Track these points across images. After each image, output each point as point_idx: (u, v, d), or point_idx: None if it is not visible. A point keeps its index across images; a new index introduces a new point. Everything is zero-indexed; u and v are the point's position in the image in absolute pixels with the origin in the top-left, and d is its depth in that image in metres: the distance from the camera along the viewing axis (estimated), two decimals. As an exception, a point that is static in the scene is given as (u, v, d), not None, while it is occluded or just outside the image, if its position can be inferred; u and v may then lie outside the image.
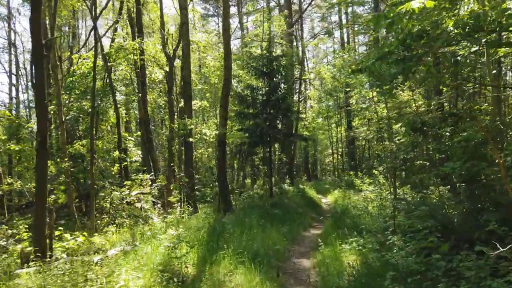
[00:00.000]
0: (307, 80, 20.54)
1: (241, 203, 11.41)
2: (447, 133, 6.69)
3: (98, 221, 8.84)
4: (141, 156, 14.81)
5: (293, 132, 15.96)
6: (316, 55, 33.60)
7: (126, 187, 9.69)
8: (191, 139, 9.48)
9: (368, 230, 6.74)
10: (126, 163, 14.17)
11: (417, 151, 9.16)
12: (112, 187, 9.75)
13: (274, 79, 12.85)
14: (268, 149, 13.22)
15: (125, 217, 8.29)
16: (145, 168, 13.69)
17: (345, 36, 29.80)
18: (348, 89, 27.68)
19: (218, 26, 31.53)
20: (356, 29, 27.69)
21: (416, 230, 5.78)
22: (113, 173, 14.04)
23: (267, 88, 13.18)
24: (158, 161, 12.91)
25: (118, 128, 13.63)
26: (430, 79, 7.41)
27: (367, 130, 14.34)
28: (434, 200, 9.87)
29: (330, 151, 33.42)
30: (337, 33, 33.76)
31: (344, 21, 29.57)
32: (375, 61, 6.06)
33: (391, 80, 5.94)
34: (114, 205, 8.55)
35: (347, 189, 16.68)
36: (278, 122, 13.37)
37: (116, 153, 13.34)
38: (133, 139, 15.42)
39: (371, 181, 14.12)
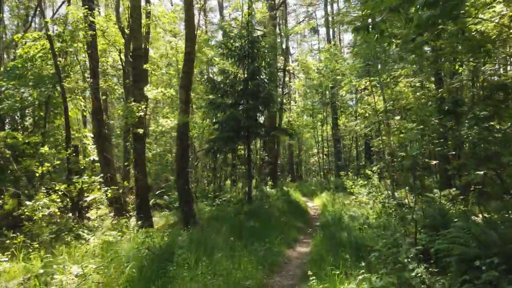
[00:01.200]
0: (292, 71, 18.58)
1: (211, 212, 9.22)
2: (484, 114, 4.79)
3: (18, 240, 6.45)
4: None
5: (276, 126, 13.89)
6: (301, 52, 31.75)
7: (60, 192, 7.34)
8: (140, 131, 7.23)
9: (377, 255, 4.69)
10: (83, 162, 11.77)
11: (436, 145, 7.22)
12: (33, 193, 7.39)
13: (255, 63, 10.76)
14: (246, 146, 11.10)
15: (46, 235, 5.96)
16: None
17: (330, 32, 28.10)
18: (333, 86, 26.05)
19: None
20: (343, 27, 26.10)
21: (461, 260, 3.78)
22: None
23: (246, 74, 11.07)
24: (112, 160, 10.54)
25: (66, 121, 11.18)
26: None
27: (362, 123, 12.40)
28: (448, 207, 8.01)
29: (316, 150, 31.61)
30: (322, 30, 32.09)
31: (330, 19, 27.91)
32: (388, 12, 4.06)
33: (421, 32, 3.92)
34: (33, 217, 6.20)
35: (336, 191, 14.73)
36: (258, 114, 11.27)
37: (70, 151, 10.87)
38: (91, 134, 12.98)
39: (365, 182, 12.18)
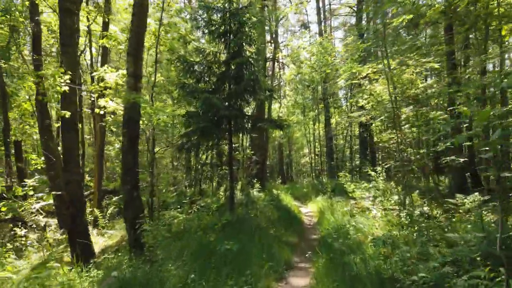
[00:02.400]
0: (282, 61, 16.57)
1: (178, 225, 7.09)
2: None
3: None
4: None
5: (265, 118, 11.81)
6: (291, 40, 29.83)
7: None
8: (65, 114, 5.00)
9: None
10: (36, 160, 9.53)
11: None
12: None
13: (238, 39, 8.68)
14: (228, 141, 9.00)
15: None
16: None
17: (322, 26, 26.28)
18: (325, 81, 24.19)
19: None
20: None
21: None
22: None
23: (227, 54, 8.99)
24: (59, 156, 8.30)
25: (3, 108, 9.01)
26: None
27: (369, 113, 10.43)
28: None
29: (307, 150, 29.73)
30: (313, 26, 30.24)
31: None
32: None
33: None
34: None
35: (333, 195, 12.76)
36: (242, 103, 9.19)
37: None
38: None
39: (369, 185, 10.24)
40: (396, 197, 9.19)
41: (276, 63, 14.62)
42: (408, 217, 6.54)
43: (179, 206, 10.20)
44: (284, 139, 28.84)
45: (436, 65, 8.59)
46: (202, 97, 7.74)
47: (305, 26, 34.51)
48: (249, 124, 9.09)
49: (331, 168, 25.17)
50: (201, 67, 8.98)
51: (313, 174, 26.04)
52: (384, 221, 7.65)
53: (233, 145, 10.18)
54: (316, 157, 30.16)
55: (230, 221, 7.84)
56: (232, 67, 8.72)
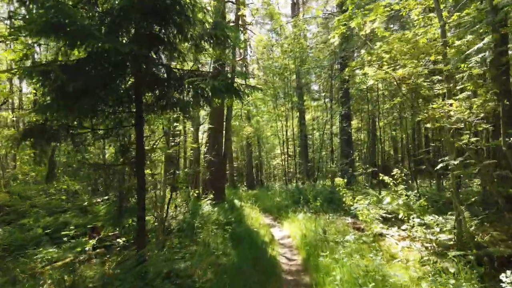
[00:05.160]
0: (249, 24, 12.36)
1: None
2: None
3: None
4: None
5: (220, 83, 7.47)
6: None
7: None
8: None
9: None
10: None
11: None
12: None
13: None
14: (135, 118, 4.62)
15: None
16: None
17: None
18: (299, 71, 20.39)
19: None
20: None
21: None
22: None
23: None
24: None
25: None
26: None
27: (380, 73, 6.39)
28: None
29: (279, 151, 25.75)
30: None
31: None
32: None
33: None
34: None
35: (321, 209, 8.70)
36: (164, 50, 4.82)
37: None
38: None
39: (395, 200, 6.24)
40: (435, 220, 5.22)
41: (240, 28, 10.47)
42: None
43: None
44: (253, 137, 24.67)
45: None
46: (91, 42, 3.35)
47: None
48: (184, 87, 4.73)
49: (307, 171, 21.34)
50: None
51: (286, 177, 22.04)
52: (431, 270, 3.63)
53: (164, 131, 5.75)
54: (289, 158, 26.32)
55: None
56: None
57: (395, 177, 6.30)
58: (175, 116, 5.68)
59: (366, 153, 25.18)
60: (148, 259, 4.50)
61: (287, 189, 14.62)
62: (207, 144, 10.90)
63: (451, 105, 4.24)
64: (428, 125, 4.64)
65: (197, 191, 9.94)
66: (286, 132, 22.81)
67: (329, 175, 21.43)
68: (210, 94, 4.37)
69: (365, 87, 17.59)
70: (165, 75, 4.62)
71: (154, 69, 4.56)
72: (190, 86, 4.38)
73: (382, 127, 24.31)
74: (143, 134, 4.50)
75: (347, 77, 14.41)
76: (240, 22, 11.14)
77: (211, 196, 9.07)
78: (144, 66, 4.38)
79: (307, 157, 21.99)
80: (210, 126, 10.40)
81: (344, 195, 7.45)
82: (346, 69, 9.41)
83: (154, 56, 4.70)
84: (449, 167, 4.37)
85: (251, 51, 14.82)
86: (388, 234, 6.12)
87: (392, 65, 5.27)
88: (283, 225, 8.88)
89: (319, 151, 20.81)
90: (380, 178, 6.36)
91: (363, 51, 7.48)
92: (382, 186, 10.16)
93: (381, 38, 6.98)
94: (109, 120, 4.64)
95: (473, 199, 5.73)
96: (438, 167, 4.50)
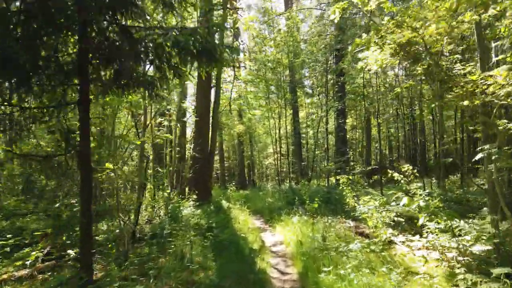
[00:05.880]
0: (237, 7, 11.24)
1: None
2: None
3: None
4: None
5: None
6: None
7: None
8: None
9: None
10: None
11: None
12: None
13: None
14: (80, 102, 3.52)
15: None
16: None
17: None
18: (291, 66, 19.40)
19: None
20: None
21: None
22: None
23: None
24: None
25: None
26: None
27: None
28: None
29: (271, 150, 24.68)
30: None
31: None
32: None
33: None
34: None
35: (320, 211, 7.66)
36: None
37: None
38: None
39: (415, 200, 5.16)
40: (461, 226, 4.22)
41: (228, 11, 9.36)
42: None
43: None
44: (244, 135, 23.57)
45: None
46: None
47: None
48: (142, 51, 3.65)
49: (301, 170, 20.34)
50: None
51: (279, 177, 20.99)
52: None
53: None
54: (282, 157, 25.29)
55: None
56: None
57: (406, 173, 5.28)
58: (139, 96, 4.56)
59: (362, 152, 24.32)
60: (98, 280, 3.38)
61: (280, 189, 13.53)
62: (194, 139, 9.79)
63: (491, 77, 3.25)
64: (465, 103, 3.61)
65: (180, 191, 8.82)
66: (279, 130, 21.77)
67: (324, 175, 20.42)
68: (177, 60, 3.27)
69: (361, 82, 16.66)
70: (121, 39, 3.50)
71: (105, 31, 3.44)
72: (150, 49, 3.28)
73: (376, 125, 23.44)
74: (89, 116, 3.39)
75: (344, 67, 13.41)
76: (228, 6, 10.04)
77: (194, 196, 7.96)
78: (93, 25, 3.27)
79: (301, 156, 20.99)
80: (196, 119, 9.29)
81: (347, 195, 6.41)
82: (350, 48, 8.36)
83: (108, 18, 3.60)
84: (492, 157, 3.36)
85: (241, 41, 13.70)
86: (399, 241, 5.09)
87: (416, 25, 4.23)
88: (275, 229, 7.79)
89: (313, 149, 19.80)
90: (390, 174, 5.34)
91: (364, 35, 6.48)
92: (385, 184, 9.15)
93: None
94: (48, 94, 3.51)
95: None
96: (477, 157, 3.48)
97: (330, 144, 20.56)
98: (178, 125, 8.96)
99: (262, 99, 20.10)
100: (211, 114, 9.65)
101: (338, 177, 7.68)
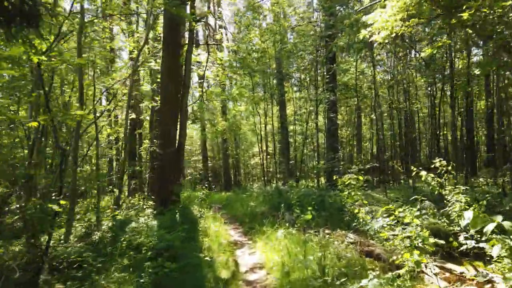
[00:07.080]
0: None
1: None
2: None
3: None
4: None
5: None
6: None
7: None
8: None
9: None
10: None
11: None
12: None
13: None
14: None
15: None
16: None
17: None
18: (279, 58, 17.77)
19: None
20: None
21: None
22: None
23: None
24: None
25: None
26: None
27: None
28: None
29: (257, 149, 22.96)
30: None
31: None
32: None
33: None
34: None
35: (312, 224, 5.92)
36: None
37: None
38: None
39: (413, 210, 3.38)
40: None
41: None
42: None
43: None
44: (229, 133, 21.72)
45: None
46: None
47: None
48: None
49: (289, 170, 18.69)
50: None
51: (265, 177, 19.28)
52: None
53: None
54: (269, 156, 23.59)
55: None
56: None
57: (439, 171, 3.62)
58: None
59: (351, 151, 22.87)
60: None
61: (265, 191, 11.77)
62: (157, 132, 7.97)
63: None
64: None
65: (140, 197, 6.97)
66: (265, 127, 20.08)
67: (313, 175, 18.80)
68: None
69: (353, 73, 15.18)
70: None
71: None
72: None
73: (368, 122, 21.99)
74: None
75: (335, 50, 11.81)
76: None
77: (150, 203, 6.14)
78: None
79: (288, 154, 19.34)
80: (158, 105, 7.45)
81: (351, 201, 4.74)
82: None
83: None
84: None
85: (219, 13, 11.92)
86: (431, 271, 3.42)
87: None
88: (255, 244, 6.02)
89: (302, 148, 18.16)
90: (414, 172, 3.69)
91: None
92: (389, 186, 7.52)
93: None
94: None
95: None
96: None
97: (320, 142, 18.99)
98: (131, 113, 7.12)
99: (246, 90, 18.19)
100: (180, 98, 7.80)
101: (335, 177, 6.00)
